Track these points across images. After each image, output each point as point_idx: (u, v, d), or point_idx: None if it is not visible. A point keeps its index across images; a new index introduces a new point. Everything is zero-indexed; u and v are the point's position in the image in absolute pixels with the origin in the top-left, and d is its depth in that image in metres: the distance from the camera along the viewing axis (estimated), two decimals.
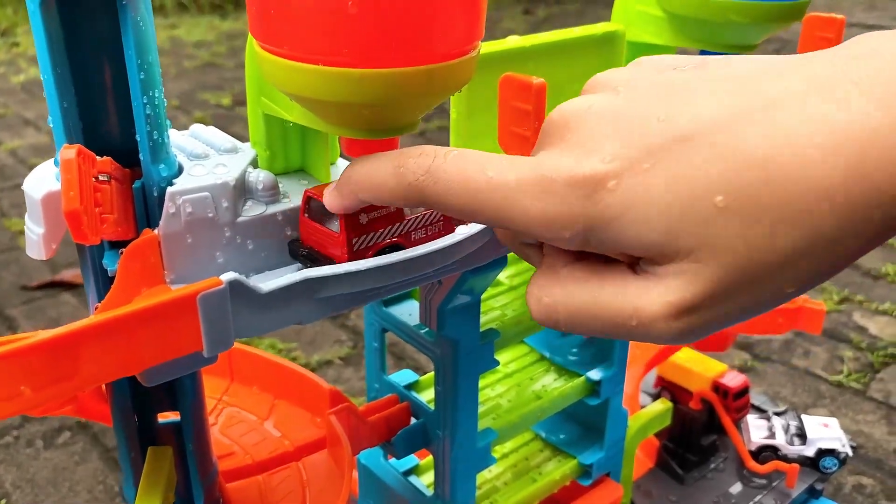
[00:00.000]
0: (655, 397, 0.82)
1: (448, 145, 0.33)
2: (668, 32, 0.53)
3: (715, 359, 0.80)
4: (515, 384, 0.57)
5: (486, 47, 0.42)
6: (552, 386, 0.57)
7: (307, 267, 0.34)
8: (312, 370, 1.21)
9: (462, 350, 0.46)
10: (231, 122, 2.43)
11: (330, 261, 0.34)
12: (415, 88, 0.30)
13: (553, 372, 0.59)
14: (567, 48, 0.46)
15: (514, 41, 0.44)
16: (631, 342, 0.81)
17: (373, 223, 0.34)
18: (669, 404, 0.66)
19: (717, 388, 0.76)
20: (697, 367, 0.78)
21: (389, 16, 0.28)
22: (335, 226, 0.34)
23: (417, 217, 0.35)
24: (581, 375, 0.57)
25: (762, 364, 1.23)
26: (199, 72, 3.12)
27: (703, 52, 0.52)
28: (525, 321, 0.51)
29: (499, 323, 0.50)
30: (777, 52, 2.27)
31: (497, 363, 0.48)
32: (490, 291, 0.53)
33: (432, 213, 0.36)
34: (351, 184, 0.31)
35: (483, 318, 0.49)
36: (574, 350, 0.60)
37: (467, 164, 0.27)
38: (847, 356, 1.25)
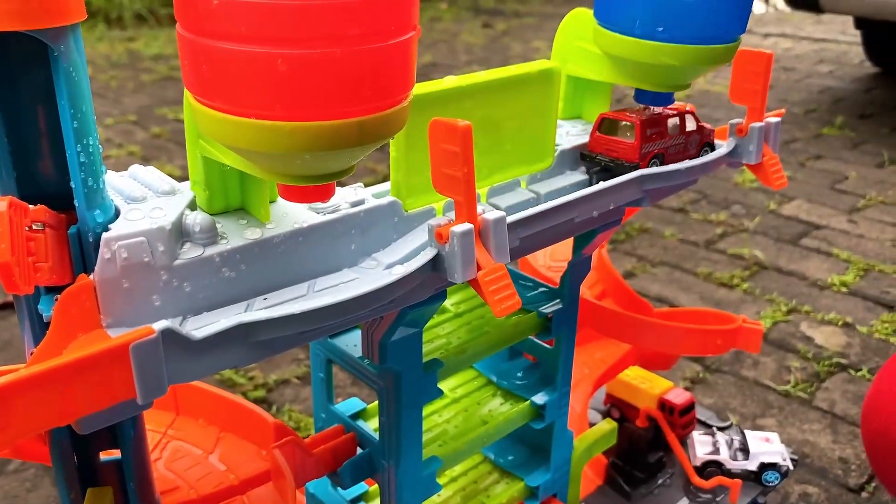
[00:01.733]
0: (605, 414, 0.84)
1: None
2: (606, 70, 0.54)
3: (668, 371, 0.83)
4: (462, 409, 0.58)
5: (425, 88, 0.44)
6: (498, 411, 0.58)
7: (600, 170, 0.54)
8: (270, 390, 1.20)
9: (405, 381, 0.46)
10: None
11: (622, 162, 0.53)
12: (346, 140, 0.31)
13: (499, 396, 0.60)
14: (504, 86, 0.48)
15: (451, 81, 0.45)
16: (577, 363, 0.83)
17: (652, 137, 0.52)
18: (614, 424, 0.67)
19: (664, 405, 0.78)
20: (644, 384, 0.80)
21: (318, 73, 0.29)
22: (630, 137, 0.52)
23: (671, 138, 0.54)
24: (526, 400, 0.58)
25: (713, 375, 1.26)
26: (157, 86, 3.08)
27: (637, 91, 0.54)
28: (470, 349, 0.52)
29: (443, 352, 0.51)
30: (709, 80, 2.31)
31: (440, 393, 0.49)
32: (435, 319, 0.54)
33: (680, 141, 0.55)
34: None
35: (427, 348, 0.50)
36: (520, 374, 0.61)
37: None
38: (794, 366, 1.28)
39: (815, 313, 1.44)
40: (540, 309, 0.55)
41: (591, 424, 0.83)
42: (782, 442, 1.08)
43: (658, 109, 0.54)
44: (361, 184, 0.47)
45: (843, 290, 1.51)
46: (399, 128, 0.33)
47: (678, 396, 0.78)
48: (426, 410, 0.57)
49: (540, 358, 0.60)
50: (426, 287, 0.41)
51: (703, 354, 0.88)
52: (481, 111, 0.47)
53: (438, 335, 0.52)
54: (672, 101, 0.54)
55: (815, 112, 2.66)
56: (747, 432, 0.78)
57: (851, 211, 1.87)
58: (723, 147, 0.56)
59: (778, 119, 0.57)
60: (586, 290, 0.74)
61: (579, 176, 0.53)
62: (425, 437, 0.54)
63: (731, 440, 0.77)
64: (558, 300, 0.57)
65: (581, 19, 0.56)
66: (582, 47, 0.56)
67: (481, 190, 0.49)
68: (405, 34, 0.30)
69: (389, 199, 0.44)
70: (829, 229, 1.77)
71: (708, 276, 1.58)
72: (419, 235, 0.44)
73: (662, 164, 0.53)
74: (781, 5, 4.50)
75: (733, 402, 1.19)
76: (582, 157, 0.54)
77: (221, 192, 0.40)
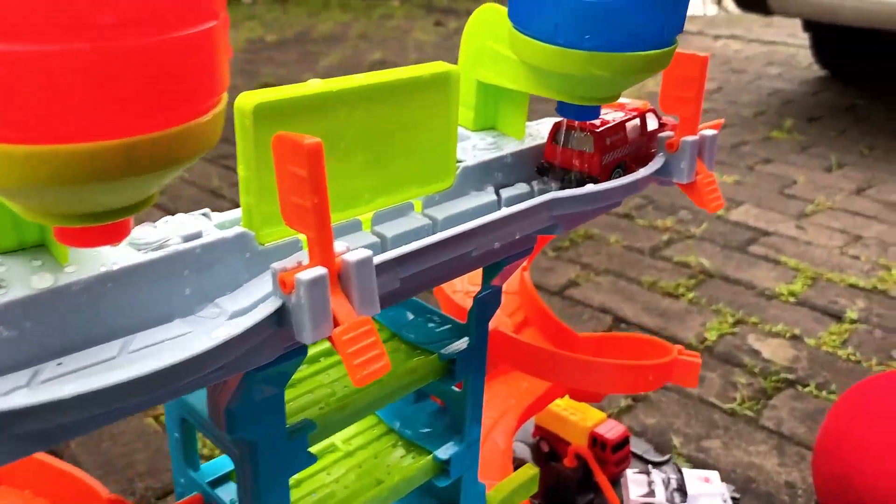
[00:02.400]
0: (534, 447, 0.77)
1: None
2: (522, 78, 0.47)
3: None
4: (356, 465, 0.50)
5: (281, 93, 0.35)
6: (398, 466, 0.50)
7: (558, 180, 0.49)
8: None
9: (262, 452, 0.38)
10: None
11: (582, 175, 0.47)
12: (109, 170, 0.22)
13: (401, 447, 0.52)
14: (389, 92, 0.40)
15: (315, 86, 0.37)
16: (502, 393, 0.75)
17: (612, 145, 0.47)
18: (536, 470, 0.60)
19: (595, 439, 0.71)
20: (575, 416, 0.73)
21: (56, 77, 0.20)
22: (589, 148, 0.47)
23: (632, 143, 0.49)
24: (430, 453, 0.51)
25: (656, 392, 1.20)
26: None
27: (560, 103, 0.47)
28: (353, 404, 0.44)
29: (318, 409, 0.43)
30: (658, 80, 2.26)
31: (313, 460, 0.41)
32: (311, 368, 0.46)
33: (641, 144, 0.50)
34: None
35: (295, 405, 0.42)
36: (425, 420, 0.53)
37: None
38: (740, 382, 1.23)
39: (763, 325, 1.39)
40: (442, 351, 0.48)
41: (518, 459, 0.76)
42: (727, 467, 1.03)
43: (617, 113, 0.48)
44: (209, 209, 0.39)
45: (791, 299, 1.47)
46: (201, 149, 0.25)
47: (611, 430, 0.72)
48: (315, 466, 0.48)
49: (447, 402, 0.53)
50: (273, 346, 0.33)
51: (634, 392, 0.81)
52: (361, 122, 0.39)
53: (312, 387, 0.44)
54: (598, 115, 0.47)
55: (765, 114, 2.64)
56: (685, 471, 0.72)
57: (800, 216, 1.84)
58: (650, 164, 0.48)
59: (714, 132, 0.50)
60: (506, 319, 0.66)
61: (486, 197, 0.46)
62: (311, 501, 0.46)
63: (668, 479, 0.71)
64: (465, 339, 0.49)
65: (493, 16, 0.48)
66: (495, 50, 0.48)
67: (365, 216, 0.41)
68: (194, 25, 0.22)
69: (238, 230, 0.35)
70: (778, 236, 1.73)
71: (653, 284, 1.52)
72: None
73: (626, 172, 0.47)
74: (732, 7, 4.51)
75: (677, 421, 1.14)
76: (539, 169, 0.48)
77: (10, 225, 0.32)
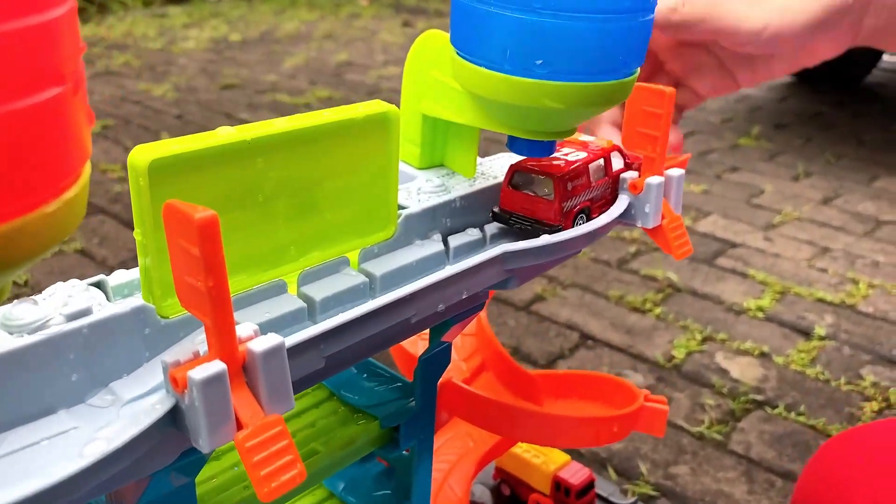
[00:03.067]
0: (494, 490, 0.73)
1: None
2: (469, 111, 0.42)
3: None
4: None
5: (182, 146, 0.30)
6: None
7: (516, 229, 0.44)
8: None
9: None
10: None
11: (540, 223, 0.42)
12: None
13: None
14: (314, 137, 0.35)
15: (224, 135, 0.32)
16: (461, 434, 0.71)
17: (574, 190, 0.43)
18: None
19: (559, 484, 0.67)
20: (538, 459, 0.69)
21: None
22: (548, 194, 0.42)
23: (596, 186, 0.44)
24: None
25: None
26: None
27: (511, 138, 0.42)
28: None
29: (241, 492, 0.38)
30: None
31: None
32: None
33: (605, 186, 0.45)
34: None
35: (213, 484, 0.37)
36: (370, 486, 0.49)
37: None
38: (709, 404, 1.20)
39: (731, 342, 1.37)
40: (383, 416, 0.43)
41: (477, 503, 0.72)
42: (695, 495, 0.99)
43: (578, 153, 0.44)
44: (104, 275, 0.34)
45: (760, 315, 1.45)
46: (44, 245, 0.20)
47: (575, 475, 0.68)
48: None
49: (393, 464, 0.48)
50: (170, 449, 0.28)
51: (597, 445, 0.77)
52: (283, 170, 0.34)
53: (235, 465, 0.39)
54: (552, 152, 0.42)
55: (732, 121, 2.64)
56: None
57: (767, 227, 1.82)
58: (611, 209, 0.44)
59: (681, 172, 0.46)
60: (462, 364, 0.62)
61: (432, 247, 0.41)
62: None
63: None
64: (411, 399, 0.44)
65: (437, 44, 0.43)
66: (439, 80, 0.43)
67: (290, 276, 0.36)
68: (17, 99, 0.17)
69: (134, 303, 0.30)
70: (745, 247, 1.71)
71: (620, 299, 1.49)
72: (184, 346, 0.31)
73: (589, 218, 0.43)
74: None
75: (644, 446, 1.10)
76: (494, 216, 0.44)
77: None
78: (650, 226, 0.45)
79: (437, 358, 0.43)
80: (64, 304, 0.30)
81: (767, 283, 1.56)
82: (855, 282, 1.57)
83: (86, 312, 0.30)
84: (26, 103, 0.17)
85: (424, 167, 0.46)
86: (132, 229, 1.53)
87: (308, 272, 0.36)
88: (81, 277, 0.33)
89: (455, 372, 0.58)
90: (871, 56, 3.06)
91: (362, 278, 0.37)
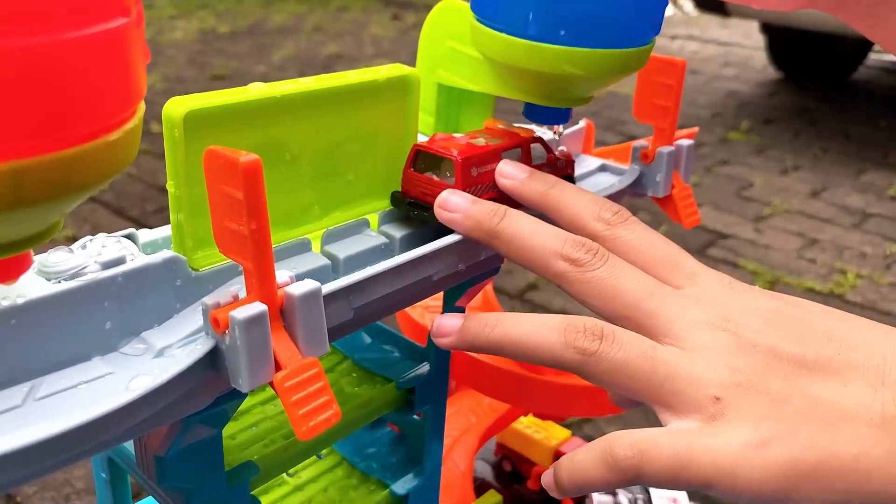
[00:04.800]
0: (495, 466, 0.74)
1: None
2: (486, 79, 0.43)
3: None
4: (306, 501, 0.46)
5: (216, 99, 0.31)
6: (351, 502, 0.46)
7: (413, 216, 0.39)
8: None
9: (197, 501, 0.34)
10: None
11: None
12: None
13: (354, 480, 0.48)
14: (340, 98, 0.36)
15: (257, 90, 0.32)
16: (463, 409, 0.72)
17: (481, 176, 0.39)
18: (498, 497, 0.57)
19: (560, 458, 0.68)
20: (539, 434, 0.70)
21: None
22: (449, 178, 0.38)
23: None
24: (386, 488, 0.47)
25: None
26: None
27: (528, 105, 0.43)
28: (299, 443, 0.40)
29: (262, 447, 0.38)
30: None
31: None
32: (255, 398, 0.42)
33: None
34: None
35: (235, 442, 0.38)
36: (381, 451, 0.50)
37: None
38: None
39: None
40: (399, 379, 0.44)
41: (479, 479, 0.73)
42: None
43: (493, 139, 0.41)
44: (133, 229, 0.34)
45: None
46: (107, 173, 0.21)
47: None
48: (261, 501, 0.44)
49: (405, 430, 0.49)
50: (207, 391, 0.29)
51: (603, 416, 0.78)
52: (309, 131, 0.35)
53: (255, 420, 0.40)
54: (569, 118, 0.43)
55: (721, 116, 2.66)
56: (653, 491, 0.69)
57: (757, 219, 1.84)
58: (623, 175, 0.45)
59: (691, 142, 0.47)
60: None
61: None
62: None
63: (635, 500, 0.68)
64: (424, 364, 0.45)
65: (454, 13, 0.44)
66: (455, 49, 0.44)
67: (314, 235, 0.37)
68: (94, 24, 0.18)
69: (166, 254, 0.31)
70: (736, 238, 1.73)
71: None
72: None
73: None
74: (688, 8, 4.55)
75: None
76: (391, 201, 0.40)
77: None
78: (661, 195, 0.45)
79: None
80: (98, 253, 0.30)
81: (758, 272, 1.58)
82: (843, 272, 1.59)
83: (120, 261, 0.30)
84: (96, 30, 0.18)
85: None
86: (123, 217, 1.53)
87: (331, 231, 0.37)
88: None
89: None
90: (857, 53, 3.10)
91: (383, 239, 0.38)
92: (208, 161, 0.26)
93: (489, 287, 0.65)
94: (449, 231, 0.37)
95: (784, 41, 3.04)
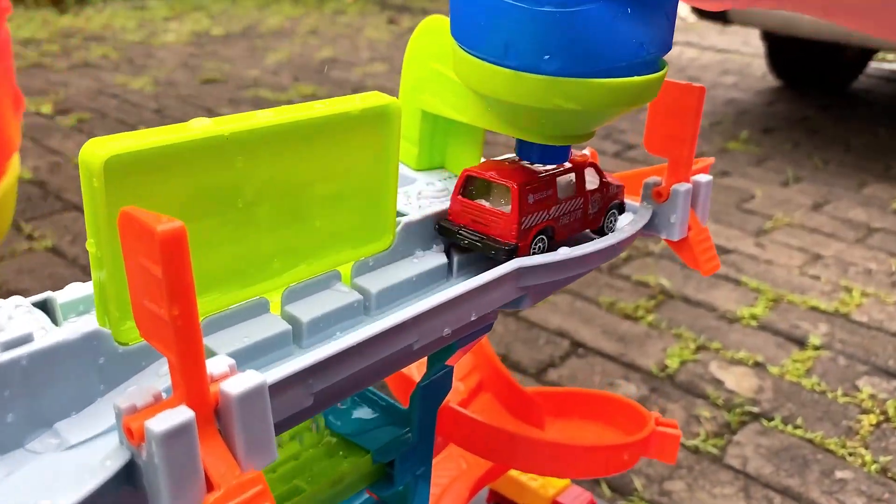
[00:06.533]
0: None
1: None
2: (474, 109, 0.37)
3: None
4: None
5: (145, 140, 0.25)
6: None
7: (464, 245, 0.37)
8: None
9: None
10: (48, 133, 2.13)
11: (494, 241, 0.36)
12: None
13: None
14: (303, 132, 0.30)
15: (200, 128, 0.27)
16: (454, 454, 0.66)
17: (537, 204, 0.36)
18: None
19: None
20: (535, 481, 0.64)
21: None
22: (504, 206, 0.36)
23: (564, 205, 0.38)
24: None
25: None
26: (23, 74, 2.76)
27: (519, 142, 0.37)
28: None
29: None
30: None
31: None
32: None
33: (574, 207, 0.38)
34: None
35: None
36: None
37: None
38: (704, 416, 1.17)
39: (725, 350, 1.33)
40: (376, 450, 0.38)
41: None
42: None
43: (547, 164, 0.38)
44: (51, 292, 0.29)
45: (753, 323, 1.41)
46: None
47: (576, 500, 0.63)
48: None
49: (385, 501, 0.43)
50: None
51: (605, 475, 0.73)
52: (266, 173, 0.30)
53: None
54: (567, 157, 0.38)
55: (721, 125, 2.61)
56: None
57: (759, 233, 1.79)
58: (634, 216, 0.40)
59: (709, 178, 0.41)
60: (458, 384, 0.57)
61: (434, 259, 0.36)
62: None
63: None
64: (407, 431, 0.40)
65: (440, 32, 0.39)
66: (441, 73, 0.39)
67: (274, 294, 0.31)
68: None
69: (85, 328, 0.25)
70: (738, 253, 1.68)
71: (611, 306, 1.45)
72: (147, 380, 0.26)
73: (552, 241, 0.37)
74: (687, 14, 4.51)
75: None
76: (440, 230, 0.37)
77: None
78: (676, 238, 0.40)
79: (438, 384, 0.38)
80: (0, 328, 0.25)
81: (760, 290, 1.53)
82: (848, 290, 1.54)
83: (26, 339, 0.25)
84: None
85: (423, 169, 0.42)
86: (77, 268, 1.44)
87: (294, 289, 0.32)
88: (51, 276, 0.27)
89: (451, 393, 0.54)
90: (858, 62, 3.06)
91: (356, 295, 0.33)
92: (123, 226, 0.21)
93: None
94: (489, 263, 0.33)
95: (784, 49, 3.00)
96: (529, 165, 0.37)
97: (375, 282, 0.34)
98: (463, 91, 0.37)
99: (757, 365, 1.30)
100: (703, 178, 0.41)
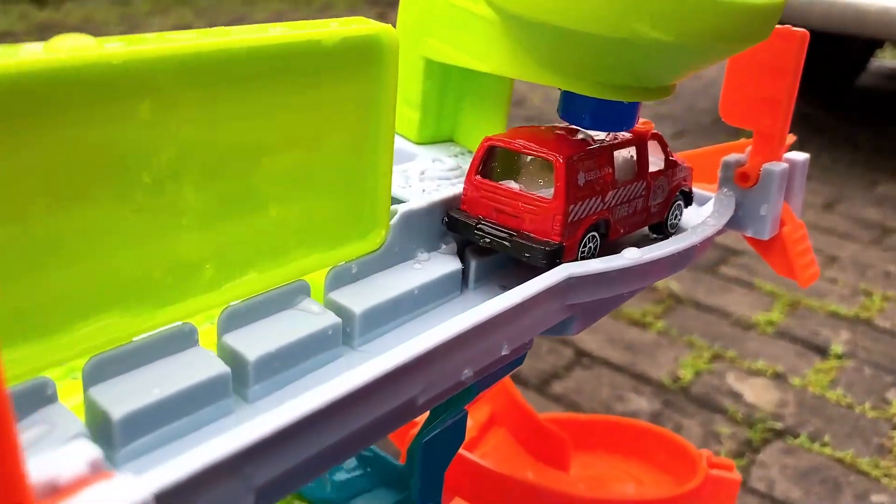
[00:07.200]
0: None
1: None
2: (504, 53, 0.27)
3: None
4: None
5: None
6: None
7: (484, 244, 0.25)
8: None
9: None
10: None
11: (529, 238, 0.24)
12: None
13: None
14: (248, 72, 0.20)
15: (66, 49, 0.16)
16: None
17: (589, 188, 0.25)
18: None
19: None
20: None
21: None
22: (543, 187, 0.25)
23: (623, 189, 0.26)
24: None
25: None
26: None
27: (567, 98, 0.27)
28: None
29: None
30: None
31: None
32: None
33: (635, 193, 0.27)
34: None
35: None
36: None
37: None
38: (723, 433, 1.07)
39: (742, 360, 1.23)
40: None
41: None
42: None
43: (599, 134, 0.27)
44: None
45: (770, 330, 1.32)
46: None
47: None
48: None
49: None
50: None
51: None
52: (188, 131, 0.19)
53: None
54: (635, 122, 0.27)
55: (722, 121, 2.52)
56: None
57: None
58: (715, 210, 0.29)
59: (805, 157, 0.31)
60: (468, 421, 0.46)
61: (445, 264, 0.26)
62: None
63: None
64: (405, 494, 0.29)
65: None
66: (455, 6, 0.28)
67: (204, 317, 0.21)
68: None
69: None
70: (749, 255, 1.58)
71: (617, 312, 1.35)
72: None
73: (605, 240, 0.26)
74: None
75: None
76: (450, 223, 0.26)
77: None
78: (767, 236, 0.30)
79: (447, 437, 0.27)
80: None
81: (776, 294, 1.43)
82: (868, 294, 1.45)
83: None
84: None
85: (427, 141, 0.31)
86: None
87: (236, 310, 0.21)
88: None
89: None
90: (861, 57, 2.98)
91: (331, 319, 0.22)
92: None
93: None
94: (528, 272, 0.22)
95: None
96: (574, 134, 0.27)
97: (360, 297, 0.23)
98: (485, 28, 0.26)
99: (777, 376, 1.20)
100: (799, 156, 0.31)
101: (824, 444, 1.06)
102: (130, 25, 3.53)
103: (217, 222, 0.20)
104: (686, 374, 1.19)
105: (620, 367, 1.21)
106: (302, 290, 0.22)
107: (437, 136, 0.31)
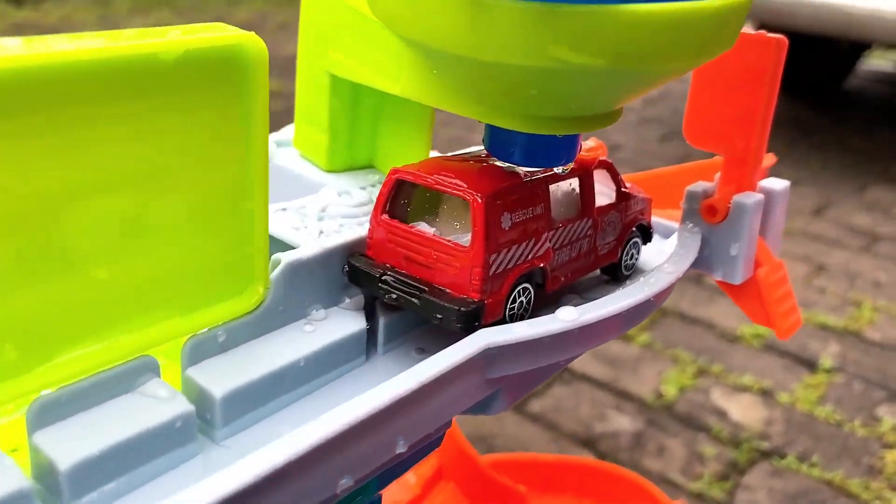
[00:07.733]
0: None
1: None
2: (412, 74, 0.22)
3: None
4: None
5: None
6: None
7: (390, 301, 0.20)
8: None
9: None
10: None
11: (442, 294, 0.20)
12: None
13: None
14: (65, 87, 0.15)
15: None
16: None
17: (517, 230, 0.21)
18: None
19: None
20: None
21: None
22: (459, 231, 0.21)
23: (562, 229, 0.22)
24: None
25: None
26: None
27: (492, 131, 0.22)
28: None
29: None
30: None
31: None
32: None
33: (580, 233, 0.23)
34: None
35: None
36: None
37: None
38: (708, 454, 1.02)
39: (727, 375, 1.19)
40: None
41: None
42: None
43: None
44: None
45: (757, 343, 1.28)
46: None
47: None
48: None
49: None
50: None
51: None
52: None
53: None
54: (574, 156, 0.22)
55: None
56: None
57: None
58: (677, 249, 0.24)
59: (786, 185, 0.27)
60: (408, 476, 0.42)
61: (346, 324, 0.21)
62: None
63: None
64: None
65: None
66: (358, 13, 0.23)
67: (6, 408, 0.16)
68: None
69: None
70: None
71: None
72: None
73: (543, 291, 0.22)
74: None
75: None
76: (350, 275, 0.21)
77: None
78: (738, 280, 0.25)
79: None
80: None
81: None
82: (857, 304, 1.41)
83: None
84: None
85: (340, 168, 0.26)
86: None
87: (51, 399, 0.16)
88: None
89: (399, 489, 0.38)
90: (848, 59, 2.95)
91: (182, 406, 0.17)
92: None
93: None
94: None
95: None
96: (504, 166, 0.22)
97: (225, 374, 0.18)
98: (394, 44, 0.21)
99: (764, 392, 1.16)
100: (777, 184, 0.26)
101: (812, 465, 1.01)
102: (110, 26, 3.47)
103: (15, 290, 0.16)
104: (670, 391, 1.14)
105: (602, 382, 1.16)
106: (146, 369, 0.18)
107: (352, 162, 0.26)
